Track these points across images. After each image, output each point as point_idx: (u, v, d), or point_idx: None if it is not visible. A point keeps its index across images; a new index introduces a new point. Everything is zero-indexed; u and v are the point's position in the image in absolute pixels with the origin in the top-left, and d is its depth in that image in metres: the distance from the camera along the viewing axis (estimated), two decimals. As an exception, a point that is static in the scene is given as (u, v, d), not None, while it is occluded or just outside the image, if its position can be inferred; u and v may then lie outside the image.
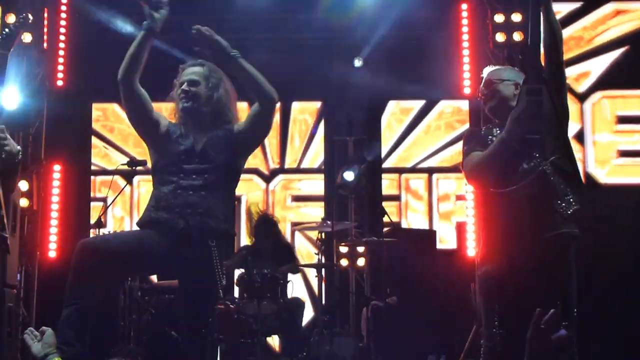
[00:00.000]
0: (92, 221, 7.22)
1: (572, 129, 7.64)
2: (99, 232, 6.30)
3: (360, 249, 7.62)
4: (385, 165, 8.54)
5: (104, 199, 6.45)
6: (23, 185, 7.11)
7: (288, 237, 8.28)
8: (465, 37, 7.52)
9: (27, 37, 7.13)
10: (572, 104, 3.68)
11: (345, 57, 8.21)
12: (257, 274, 6.31)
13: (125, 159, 6.11)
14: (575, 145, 7.50)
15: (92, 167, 8.44)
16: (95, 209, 8.05)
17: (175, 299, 6.00)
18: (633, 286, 7.13)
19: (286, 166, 8.63)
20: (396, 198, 8.51)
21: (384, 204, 7.75)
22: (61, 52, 7.51)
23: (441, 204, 8.47)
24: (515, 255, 3.48)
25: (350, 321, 7.62)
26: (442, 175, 8.53)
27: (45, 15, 7.40)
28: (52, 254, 7.36)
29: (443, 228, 8.28)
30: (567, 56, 3.75)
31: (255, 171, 8.52)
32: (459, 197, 8.26)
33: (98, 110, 8.55)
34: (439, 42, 7.73)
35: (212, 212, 3.73)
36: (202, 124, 3.87)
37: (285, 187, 8.62)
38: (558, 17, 3.67)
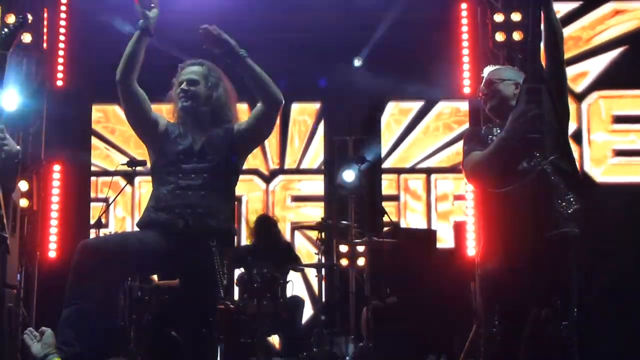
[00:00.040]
0: (92, 221, 7.22)
1: (570, 128, 7.67)
2: (99, 232, 6.30)
3: (360, 249, 7.62)
4: (384, 165, 8.57)
5: (104, 199, 6.45)
6: (23, 185, 7.12)
7: (288, 237, 8.30)
8: (464, 36, 7.52)
9: (27, 37, 7.13)
10: (570, 103, 3.69)
11: (345, 57, 8.22)
12: (257, 274, 6.31)
13: (127, 160, 6.12)
14: (571, 145, 7.52)
15: (94, 168, 8.46)
16: (96, 209, 8.05)
17: (176, 299, 6.00)
18: (632, 285, 7.14)
19: (286, 167, 8.64)
20: (395, 198, 8.53)
21: (383, 204, 7.76)
22: (61, 52, 7.51)
23: (439, 203, 8.50)
24: (516, 255, 3.48)
25: (350, 321, 7.62)
26: (441, 175, 8.56)
27: (45, 15, 7.40)
28: (52, 254, 7.37)
29: (441, 228, 8.29)
30: (565, 56, 3.74)
31: (255, 172, 8.54)
32: (457, 197, 8.29)
33: (99, 111, 8.57)
34: (438, 41, 7.73)
35: (212, 212, 3.73)
36: (201, 123, 3.87)
37: (285, 188, 8.63)
38: (557, 16, 3.67)
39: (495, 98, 3.75)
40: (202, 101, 3.85)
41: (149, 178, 3.96)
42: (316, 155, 8.65)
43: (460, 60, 7.50)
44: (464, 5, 7.55)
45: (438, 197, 8.51)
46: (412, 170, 8.60)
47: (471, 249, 7.27)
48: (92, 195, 8.38)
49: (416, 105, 8.60)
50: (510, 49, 7.30)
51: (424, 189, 8.56)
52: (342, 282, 7.96)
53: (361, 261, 7.65)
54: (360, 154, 7.19)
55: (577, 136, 7.98)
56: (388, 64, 8.01)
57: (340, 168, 7.88)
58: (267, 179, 8.61)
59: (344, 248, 7.71)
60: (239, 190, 4.23)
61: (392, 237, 6.90)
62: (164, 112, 4.02)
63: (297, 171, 8.67)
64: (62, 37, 7.52)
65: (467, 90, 7.49)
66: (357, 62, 8.26)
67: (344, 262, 7.74)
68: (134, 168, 6.00)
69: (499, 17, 7.33)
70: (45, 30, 7.39)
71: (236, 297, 6.59)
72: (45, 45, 7.40)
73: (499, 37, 7.30)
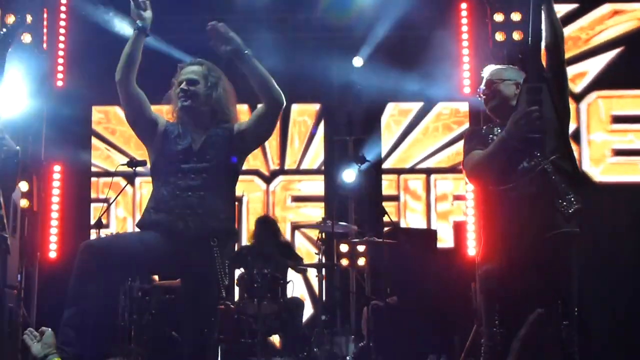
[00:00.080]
0: (93, 222, 7.22)
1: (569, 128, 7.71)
2: (99, 232, 6.30)
3: (361, 249, 7.62)
4: (384, 165, 8.57)
5: (104, 200, 6.45)
6: (23, 185, 7.11)
7: (288, 237, 8.30)
8: (464, 36, 7.52)
9: (27, 38, 7.12)
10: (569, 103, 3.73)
11: (345, 57, 8.22)
12: (257, 274, 6.32)
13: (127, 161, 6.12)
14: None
15: (94, 169, 8.46)
16: (96, 209, 8.05)
17: (176, 299, 6.01)
18: (632, 285, 7.14)
19: (286, 167, 8.65)
20: (395, 198, 8.55)
21: (383, 204, 7.76)
22: (61, 53, 7.51)
23: (439, 203, 8.51)
24: (516, 254, 3.48)
25: (351, 321, 7.63)
26: (440, 175, 8.57)
27: (45, 15, 7.40)
28: (52, 254, 7.37)
29: (441, 228, 8.30)
30: (565, 56, 3.74)
31: (255, 172, 8.55)
32: (457, 197, 8.31)
33: (100, 112, 8.57)
34: (438, 41, 7.73)
35: (213, 213, 3.73)
36: (201, 123, 3.87)
37: (285, 188, 8.64)
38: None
39: (495, 98, 3.75)
40: (202, 101, 3.85)
41: (150, 179, 3.96)
42: (316, 156, 8.66)
43: (460, 60, 7.50)
44: (463, 5, 7.55)
45: (438, 197, 8.52)
46: (412, 170, 8.61)
47: (471, 249, 7.27)
48: (93, 195, 8.38)
49: (416, 106, 8.61)
50: (510, 48, 7.29)
51: (423, 189, 8.57)
52: (343, 282, 7.97)
53: (361, 261, 7.66)
54: (361, 154, 7.18)
55: (576, 136, 7.99)
56: (388, 64, 8.01)
57: (340, 168, 7.88)
58: (268, 179, 8.62)
59: (344, 248, 7.71)
60: (239, 190, 4.22)
61: (392, 237, 6.90)
62: (163, 113, 4.02)
63: (297, 171, 8.68)
64: (62, 37, 7.52)
65: (467, 90, 7.49)
66: (357, 62, 8.25)
67: (345, 262, 7.74)
68: (134, 168, 6.00)
69: (498, 17, 7.32)
70: (45, 30, 7.39)
71: (236, 297, 6.60)
72: (45, 45, 7.39)
73: (499, 36, 7.30)
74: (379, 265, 6.95)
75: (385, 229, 7.17)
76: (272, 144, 8.53)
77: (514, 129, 3.48)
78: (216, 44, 3.73)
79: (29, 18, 7.09)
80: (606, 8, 8.11)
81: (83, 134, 8.39)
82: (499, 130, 3.65)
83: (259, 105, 3.86)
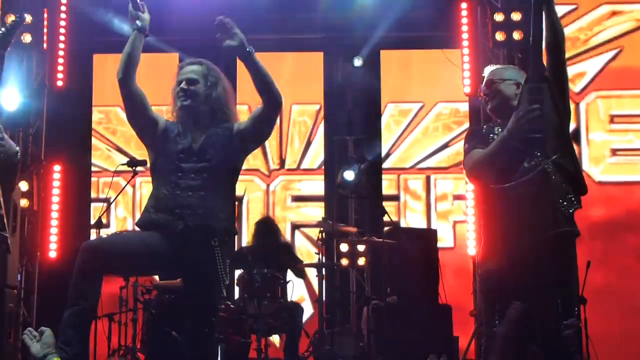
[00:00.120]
0: (93, 221, 7.22)
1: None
2: (99, 232, 6.30)
3: (361, 248, 7.62)
4: (384, 165, 8.57)
5: (105, 199, 6.45)
6: (23, 185, 7.12)
7: (288, 237, 8.30)
8: (464, 36, 7.52)
9: (27, 37, 7.13)
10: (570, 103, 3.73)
11: (345, 57, 8.22)
12: (257, 274, 6.32)
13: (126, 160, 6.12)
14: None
15: (94, 169, 8.46)
16: (96, 209, 8.05)
17: (176, 299, 6.00)
18: (631, 284, 7.15)
19: (286, 167, 8.65)
20: (395, 198, 8.54)
21: (383, 204, 7.76)
22: (61, 52, 7.51)
23: (439, 203, 8.51)
24: (517, 254, 3.48)
25: (351, 320, 7.63)
26: (440, 175, 8.57)
27: (45, 15, 7.40)
28: (52, 254, 7.37)
29: (441, 228, 8.30)
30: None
31: (255, 172, 8.55)
32: (457, 197, 8.31)
33: (100, 113, 8.57)
34: (438, 41, 7.73)
35: (213, 213, 3.73)
36: (201, 122, 3.87)
37: (285, 188, 8.64)
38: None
39: (496, 98, 3.75)
40: (202, 100, 3.86)
41: (150, 178, 3.96)
42: (316, 155, 8.66)
43: (461, 60, 7.50)
44: (464, 5, 7.55)
45: (438, 197, 8.52)
46: (412, 170, 8.61)
47: (471, 249, 7.28)
48: (93, 195, 8.38)
49: (416, 106, 8.61)
50: (510, 48, 7.30)
51: (423, 188, 8.57)
52: (343, 281, 7.96)
53: (362, 260, 7.66)
54: (361, 154, 7.18)
55: (576, 135, 8.00)
56: (388, 64, 8.02)
57: (340, 168, 7.88)
58: (268, 179, 8.62)
59: (344, 247, 7.71)
60: (239, 190, 4.22)
61: (392, 237, 6.90)
62: (163, 112, 4.02)
63: (298, 171, 8.68)
64: (62, 37, 7.53)
65: (467, 90, 7.49)
66: (357, 62, 8.26)
67: (345, 261, 7.74)
68: (134, 168, 6.00)
69: (499, 17, 7.33)
70: (45, 30, 7.39)
71: (236, 297, 6.60)
72: (45, 45, 7.40)
73: (499, 36, 7.30)
74: (378, 265, 6.95)
75: (385, 228, 7.17)
76: (272, 143, 8.53)
77: (515, 129, 3.48)
78: (222, 38, 3.74)
79: (29, 18, 7.10)
80: (605, 8, 8.13)
81: (83, 134, 8.39)
82: (500, 130, 3.65)
83: (259, 106, 3.87)
